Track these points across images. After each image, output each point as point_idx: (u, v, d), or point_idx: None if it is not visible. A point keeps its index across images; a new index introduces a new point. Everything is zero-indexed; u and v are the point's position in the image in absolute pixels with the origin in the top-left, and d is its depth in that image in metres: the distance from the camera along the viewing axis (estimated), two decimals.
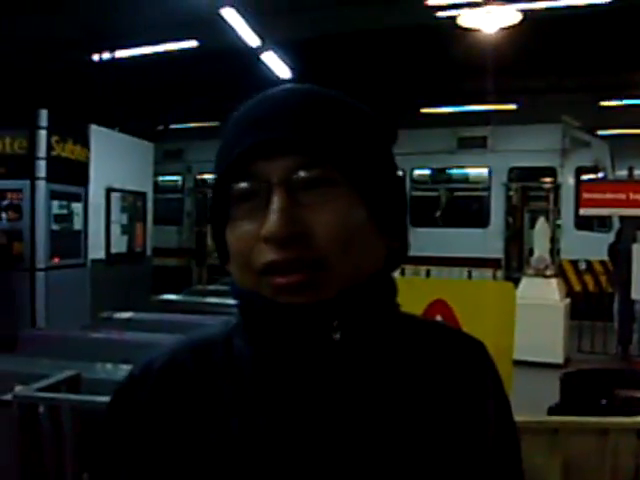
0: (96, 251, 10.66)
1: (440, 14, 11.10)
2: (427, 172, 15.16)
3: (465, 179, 15.02)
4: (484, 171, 14.30)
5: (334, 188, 0.80)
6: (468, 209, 14.76)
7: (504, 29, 8.99)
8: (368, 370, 0.84)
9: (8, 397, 3.51)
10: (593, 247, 12.40)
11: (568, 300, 9.53)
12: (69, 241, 10.05)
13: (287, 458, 0.79)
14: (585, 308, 10.03)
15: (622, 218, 9.84)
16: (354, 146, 0.82)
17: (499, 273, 13.44)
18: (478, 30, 9.09)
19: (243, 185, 0.80)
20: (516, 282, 8.55)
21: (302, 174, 0.79)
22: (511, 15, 8.61)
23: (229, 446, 0.80)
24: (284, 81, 12.88)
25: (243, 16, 10.78)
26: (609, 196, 9.22)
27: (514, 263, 13.82)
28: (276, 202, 0.78)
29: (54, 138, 9.65)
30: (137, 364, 0.91)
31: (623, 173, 13.21)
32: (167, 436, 0.83)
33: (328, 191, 0.79)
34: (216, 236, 0.88)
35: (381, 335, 0.86)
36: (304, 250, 0.77)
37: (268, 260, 0.78)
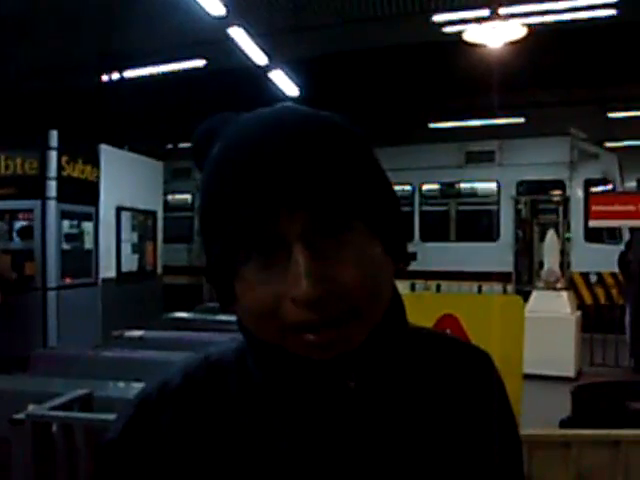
0: (107, 270, 10.71)
1: (446, 30, 11.18)
2: (436, 187, 15.18)
3: (474, 193, 15.03)
4: (493, 185, 14.31)
5: (351, 231, 0.76)
6: (477, 223, 14.76)
7: (510, 43, 9.02)
8: (380, 411, 0.84)
9: (22, 416, 3.53)
10: (603, 259, 12.36)
11: (579, 313, 9.49)
12: (80, 260, 10.10)
13: None
14: (596, 321, 9.98)
15: (632, 229, 9.83)
16: (361, 182, 0.78)
17: (509, 287, 13.40)
18: (484, 45, 9.12)
19: (256, 244, 0.74)
20: (527, 295, 8.55)
21: (319, 225, 0.74)
22: (516, 30, 8.64)
23: (248, 474, 0.81)
24: (292, 99, 12.96)
25: (251, 35, 10.87)
26: (618, 208, 9.23)
27: (524, 276, 13.79)
28: (301, 261, 0.72)
29: (64, 158, 9.72)
30: (149, 383, 0.89)
31: (632, 184, 13.24)
32: (189, 459, 0.82)
33: (346, 236, 0.75)
34: (218, 289, 0.83)
35: (393, 370, 0.85)
36: (336, 305, 0.73)
37: (300, 319, 0.73)
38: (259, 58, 11.80)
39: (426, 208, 14.77)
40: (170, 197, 15.98)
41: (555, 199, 14.02)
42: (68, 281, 9.70)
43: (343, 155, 0.77)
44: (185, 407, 0.84)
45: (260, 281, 0.75)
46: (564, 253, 12.42)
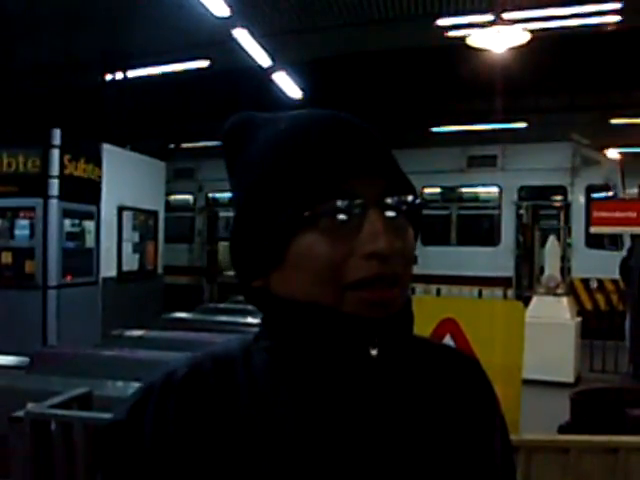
0: (108, 269, 10.71)
1: (450, 34, 11.19)
2: (437, 191, 15.17)
3: (475, 198, 15.02)
4: (494, 190, 14.30)
5: (403, 214, 0.87)
6: (478, 228, 14.75)
7: (514, 49, 9.02)
8: (396, 386, 0.88)
9: (20, 414, 3.53)
10: (604, 265, 12.35)
11: (579, 319, 9.48)
12: (81, 259, 10.10)
13: (317, 469, 0.82)
14: (596, 327, 9.97)
15: (633, 236, 9.81)
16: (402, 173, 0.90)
17: (510, 292, 13.39)
18: (487, 50, 9.12)
19: (336, 202, 0.83)
20: (527, 301, 8.54)
21: (390, 198, 0.86)
22: (520, 35, 8.65)
23: (259, 457, 0.82)
24: (295, 101, 12.97)
25: (254, 36, 10.87)
26: (620, 214, 9.20)
27: (525, 282, 13.76)
28: (380, 221, 0.83)
29: (67, 157, 9.72)
30: (153, 376, 0.91)
31: (633, 191, 13.22)
32: (193, 445, 0.84)
33: (401, 216, 0.87)
34: (267, 250, 0.86)
35: (406, 353, 0.90)
36: (399, 264, 0.84)
37: (372, 273, 0.81)
38: (263, 59, 11.81)
39: (427, 212, 14.75)
40: (172, 197, 15.98)
41: (556, 205, 14.01)
42: (69, 280, 9.69)
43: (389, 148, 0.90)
44: (191, 394, 0.86)
45: (330, 238, 0.82)
46: (565, 259, 12.41)
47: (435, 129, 18.21)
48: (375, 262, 0.81)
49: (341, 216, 0.82)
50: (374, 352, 0.83)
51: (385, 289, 0.82)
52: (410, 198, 0.88)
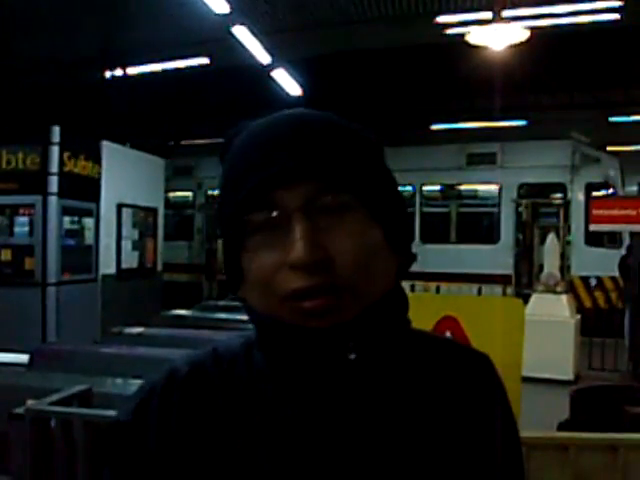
0: (107, 266, 10.70)
1: (449, 32, 11.18)
2: (437, 188, 15.17)
3: (475, 195, 15.02)
4: (494, 187, 14.30)
5: (350, 212, 0.81)
6: (478, 225, 14.75)
7: (513, 46, 9.01)
8: (381, 387, 0.86)
9: (20, 411, 3.53)
10: (603, 263, 12.36)
11: (578, 316, 9.49)
12: (80, 256, 10.09)
13: (308, 470, 0.82)
14: (596, 324, 9.98)
15: (632, 234, 9.82)
16: (363, 169, 0.84)
17: (509, 289, 13.39)
18: (486, 47, 9.11)
19: (261, 214, 0.80)
20: (526, 298, 8.55)
21: (321, 200, 0.80)
22: (519, 32, 8.63)
23: (254, 457, 0.82)
24: (294, 98, 12.96)
25: (254, 33, 10.86)
26: (619, 212, 9.22)
27: (524, 279, 13.77)
28: (299, 229, 0.78)
29: (66, 154, 9.70)
30: (155, 374, 0.92)
31: (633, 189, 13.24)
32: (197, 443, 0.85)
33: (346, 216, 0.81)
34: (228, 265, 0.88)
35: (394, 352, 0.87)
36: (329, 275, 0.78)
37: (296, 287, 0.78)
38: (262, 56, 11.79)
39: (427, 209, 14.76)
40: (171, 195, 15.98)
41: (556, 202, 14.02)
42: (68, 277, 9.69)
43: (346, 141, 0.84)
44: (193, 392, 0.87)
45: (263, 251, 0.81)
46: (564, 256, 12.42)
47: (434, 127, 18.21)
48: (301, 273, 0.78)
49: (263, 228, 0.81)
50: (352, 356, 0.80)
51: (321, 298, 0.78)
52: (340, 196, 0.81)
